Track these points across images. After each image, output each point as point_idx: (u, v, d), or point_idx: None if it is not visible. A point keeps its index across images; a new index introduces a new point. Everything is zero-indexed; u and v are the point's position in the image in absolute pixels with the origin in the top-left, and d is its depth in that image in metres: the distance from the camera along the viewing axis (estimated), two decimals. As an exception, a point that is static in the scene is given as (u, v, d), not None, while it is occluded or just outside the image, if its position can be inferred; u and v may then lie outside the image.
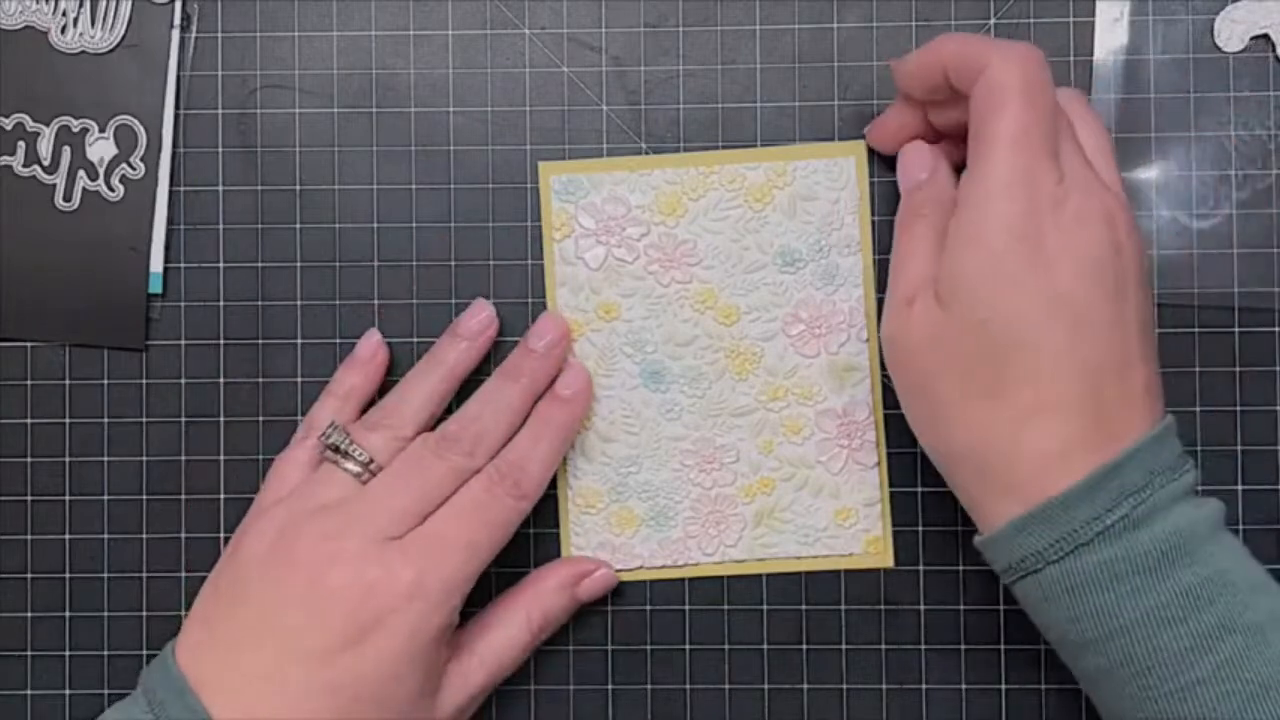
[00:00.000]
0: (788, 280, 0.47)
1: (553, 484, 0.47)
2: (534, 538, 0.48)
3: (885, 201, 0.47)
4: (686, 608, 0.48)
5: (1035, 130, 0.39)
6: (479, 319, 0.46)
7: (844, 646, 0.48)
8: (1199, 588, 0.37)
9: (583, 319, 0.47)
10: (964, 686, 0.47)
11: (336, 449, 0.44)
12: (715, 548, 0.47)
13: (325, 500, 0.42)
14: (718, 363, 0.47)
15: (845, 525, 0.47)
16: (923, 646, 0.48)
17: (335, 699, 0.40)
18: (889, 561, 0.47)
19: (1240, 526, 0.47)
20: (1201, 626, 0.37)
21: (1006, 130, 0.39)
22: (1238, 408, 0.47)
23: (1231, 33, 0.47)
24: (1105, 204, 0.39)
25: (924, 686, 0.48)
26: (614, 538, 0.47)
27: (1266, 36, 0.47)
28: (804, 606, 0.48)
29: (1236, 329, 0.47)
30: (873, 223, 0.47)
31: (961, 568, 0.48)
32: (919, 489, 0.48)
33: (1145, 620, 0.37)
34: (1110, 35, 0.47)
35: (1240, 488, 0.47)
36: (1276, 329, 0.47)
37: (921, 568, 0.48)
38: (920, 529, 0.48)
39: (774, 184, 0.47)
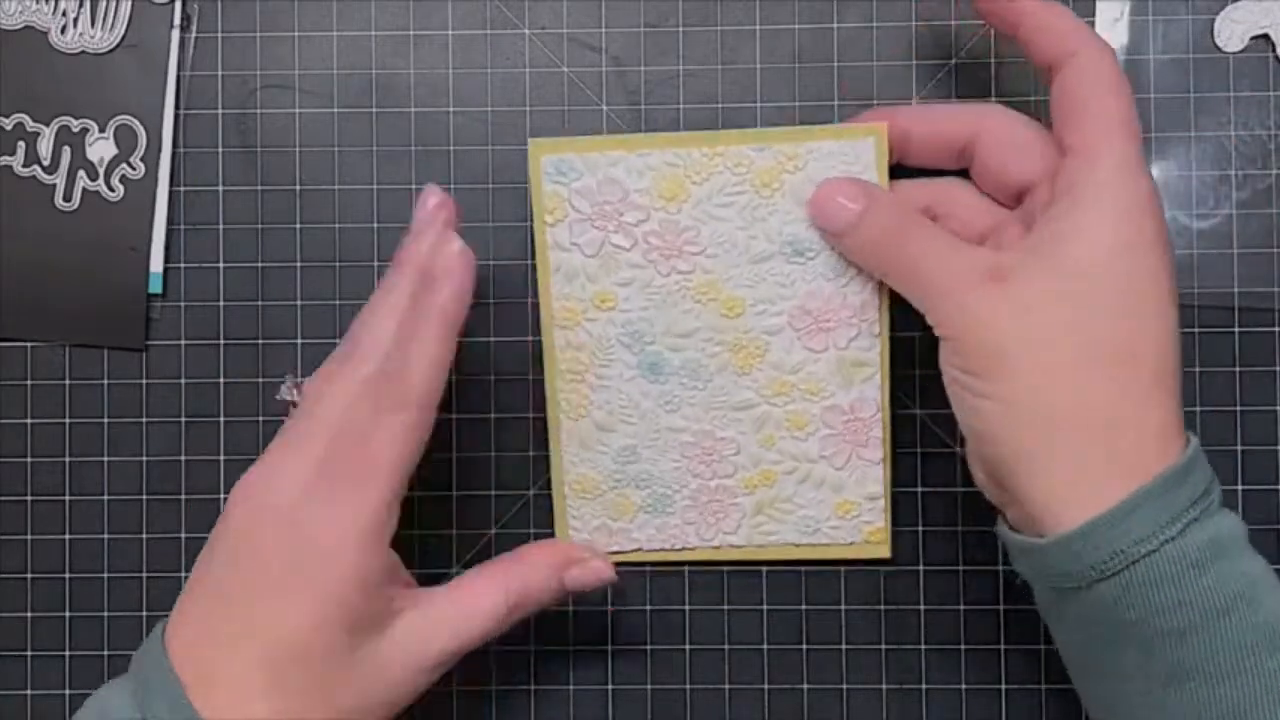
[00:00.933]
0: (796, 271, 0.44)
1: (547, 471, 0.47)
2: (534, 518, 0.48)
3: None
4: (686, 608, 0.48)
5: (1136, 124, 0.40)
6: (429, 206, 0.42)
7: (844, 646, 0.48)
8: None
9: (578, 307, 0.45)
10: (964, 686, 0.47)
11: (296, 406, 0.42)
12: (714, 534, 0.47)
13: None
14: (719, 356, 0.45)
15: (846, 517, 0.46)
16: (923, 646, 0.48)
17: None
18: (887, 552, 0.47)
19: (1240, 526, 0.47)
20: None
21: (1123, 117, 0.39)
22: (1238, 408, 0.47)
23: (1231, 33, 0.47)
24: None
25: (924, 686, 0.48)
26: (611, 522, 0.47)
27: (1266, 36, 0.47)
28: (804, 606, 0.48)
29: (1236, 329, 0.47)
30: None
31: (961, 568, 0.48)
32: (919, 489, 0.48)
33: (1256, 585, 0.37)
34: (1110, 35, 0.47)
35: (1240, 488, 0.47)
36: (1276, 329, 0.47)
37: (921, 568, 0.48)
38: (920, 529, 0.48)
39: (783, 168, 0.44)
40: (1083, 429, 0.38)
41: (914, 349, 0.47)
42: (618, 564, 0.46)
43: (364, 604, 0.39)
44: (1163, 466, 0.37)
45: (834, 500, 0.46)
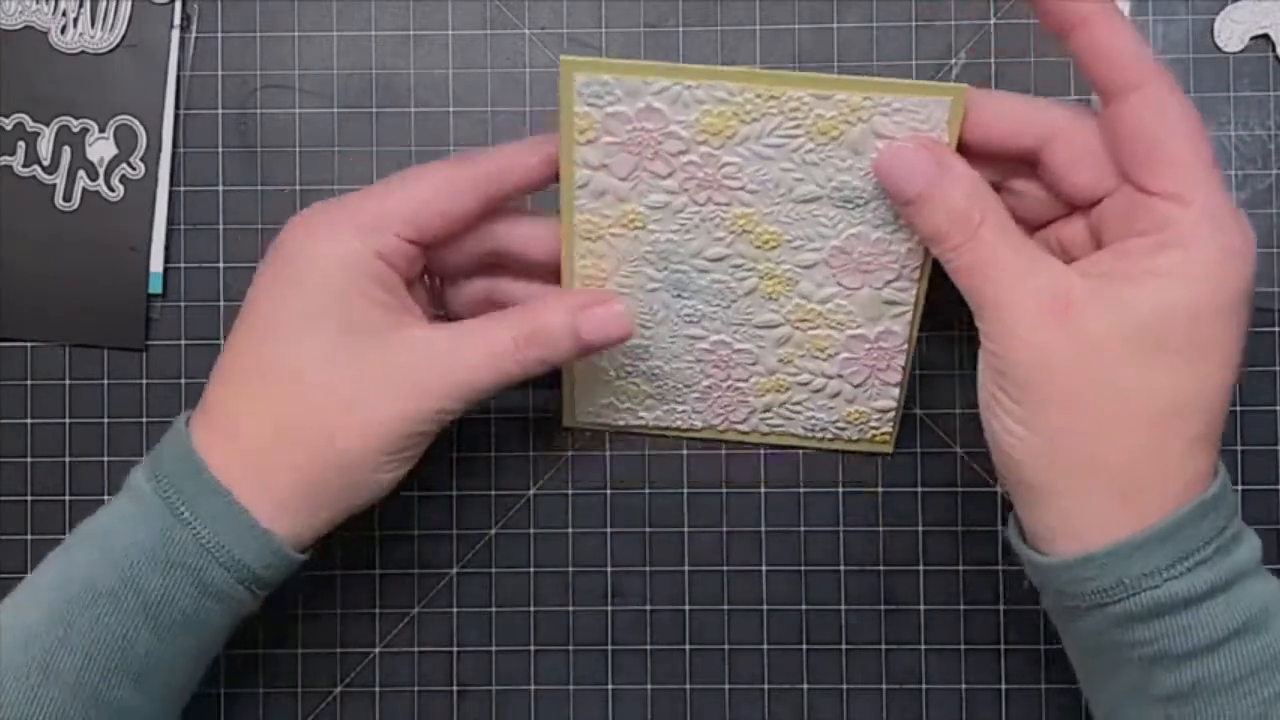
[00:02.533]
0: (841, 215, 0.41)
1: (548, 469, 0.47)
2: (534, 518, 0.48)
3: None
4: (687, 608, 0.48)
5: (1218, 168, 0.38)
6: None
7: (844, 646, 0.48)
8: None
9: (603, 223, 0.42)
10: (964, 686, 0.47)
11: None
12: (721, 422, 0.46)
13: None
14: (748, 281, 0.43)
15: (854, 423, 0.46)
16: (923, 646, 0.48)
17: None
18: (889, 449, 0.47)
19: (1240, 526, 0.47)
20: None
21: (1209, 162, 0.37)
22: (1238, 408, 0.47)
23: (1231, 33, 0.47)
24: None
25: (924, 686, 0.48)
26: (618, 404, 0.46)
27: (1266, 36, 0.47)
28: (804, 606, 0.48)
29: (1236, 329, 0.47)
30: None
31: (961, 568, 0.48)
32: (919, 489, 0.48)
33: (1267, 609, 0.37)
34: (1110, 35, 0.47)
35: (1240, 488, 0.47)
36: (1276, 329, 0.47)
37: (921, 568, 0.48)
38: (920, 529, 0.48)
39: (845, 119, 0.39)
40: (1112, 475, 0.37)
41: (916, 349, 0.47)
42: (620, 437, 0.46)
43: (343, 301, 0.40)
44: (1181, 507, 0.36)
45: (845, 410, 0.46)
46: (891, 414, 0.46)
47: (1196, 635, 0.36)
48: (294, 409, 0.40)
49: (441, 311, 0.45)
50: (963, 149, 0.39)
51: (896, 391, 0.45)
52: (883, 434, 0.46)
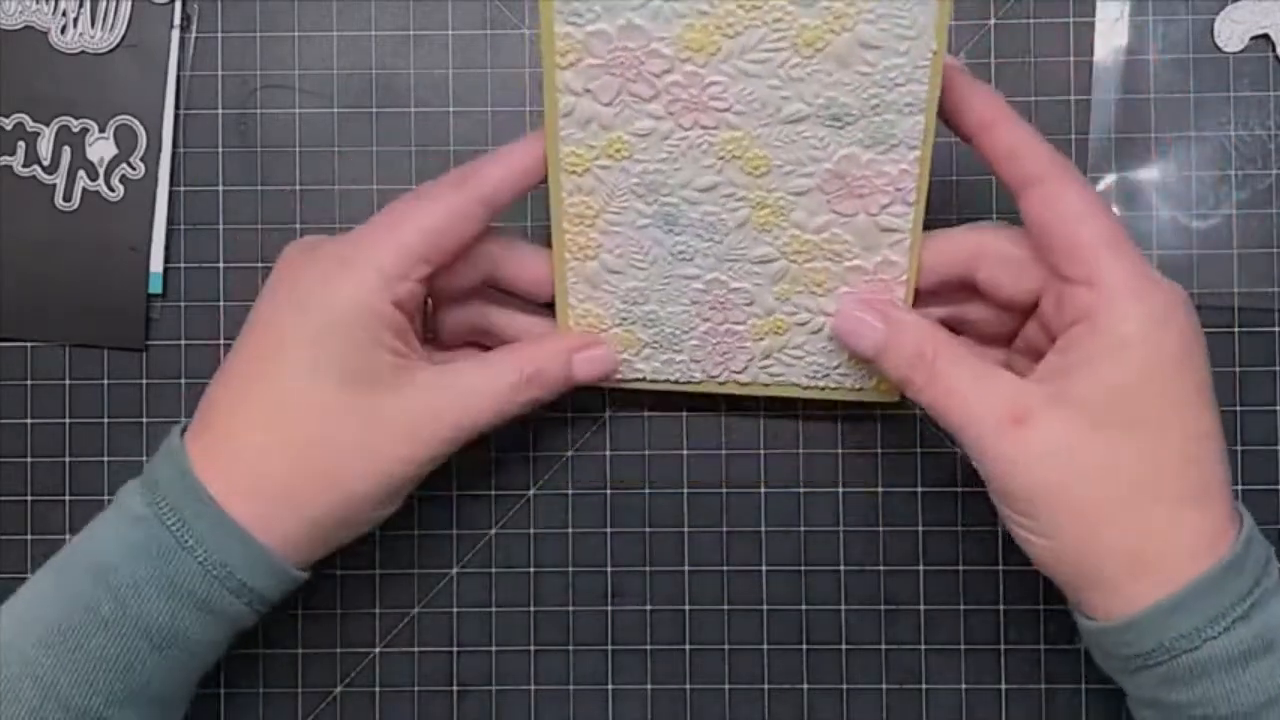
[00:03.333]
0: (831, 135, 0.40)
1: (548, 468, 0.47)
2: (534, 518, 0.48)
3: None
4: (687, 608, 0.48)
5: (1127, 237, 0.38)
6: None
7: (844, 646, 0.48)
8: None
9: (589, 154, 0.41)
10: (964, 686, 0.47)
11: None
12: (720, 372, 0.46)
13: None
14: (739, 212, 0.42)
15: (856, 367, 0.45)
16: (923, 646, 0.48)
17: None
18: (895, 396, 0.45)
19: (1240, 526, 0.47)
20: None
21: (1114, 235, 0.38)
22: (1238, 408, 0.47)
23: (1231, 33, 0.47)
24: None
25: (924, 686, 0.48)
26: (616, 353, 0.45)
27: (1266, 36, 0.47)
28: (804, 606, 0.48)
29: (1236, 329, 0.47)
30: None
31: (961, 568, 0.48)
32: (919, 489, 0.48)
33: None
34: (1110, 35, 0.47)
35: (1240, 488, 0.47)
36: (1276, 329, 0.47)
37: (921, 568, 0.48)
38: (920, 529, 0.48)
39: (829, 27, 0.38)
40: (1129, 554, 0.37)
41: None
42: (619, 392, 0.46)
43: (358, 349, 0.40)
44: (1209, 564, 0.37)
45: (845, 352, 0.44)
46: None
47: (1241, 698, 0.36)
48: (299, 451, 0.40)
49: (431, 335, 0.45)
50: (916, 293, 0.42)
51: None
52: (884, 381, 0.45)
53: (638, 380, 0.46)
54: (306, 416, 0.40)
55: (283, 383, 0.40)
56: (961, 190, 0.48)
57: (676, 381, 0.46)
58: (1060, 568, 0.39)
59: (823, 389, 0.46)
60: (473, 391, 0.42)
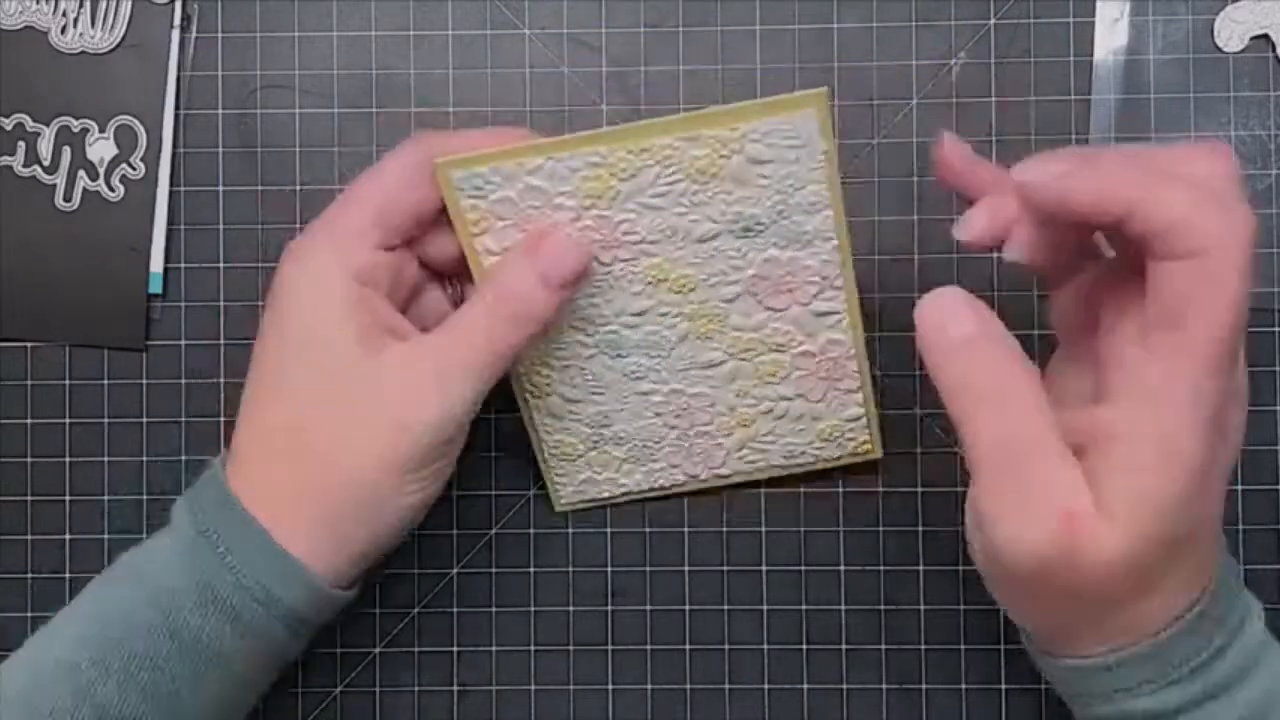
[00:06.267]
0: (747, 244, 0.41)
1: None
2: (534, 518, 0.48)
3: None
4: (687, 608, 0.48)
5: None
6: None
7: (844, 646, 0.48)
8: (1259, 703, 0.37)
9: None
10: (964, 686, 0.47)
11: None
12: (701, 470, 0.46)
13: None
14: (678, 326, 0.43)
15: (830, 439, 0.46)
16: (923, 646, 0.48)
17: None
18: (878, 453, 0.46)
19: (1240, 526, 0.47)
20: None
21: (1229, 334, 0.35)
22: (1238, 408, 0.47)
23: (1231, 33, 0.47)
24: None
25: (924, 686, 0.48)
26: (597, 475, 0.46)
27: (1266, 36, 0.47)
28: (804, 606, 0.48)
29: (1236, 329, 0.47)
30: (843, 174, 0.42)
31: (961, 568, 0.48)
32: (919, 489, 0.48)
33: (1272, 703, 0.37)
34: (1110, 35, 0.47)
35: (1240, 488, 0.47)
36: (1276, 329, 0.47)
37: (921, 567, 0.48)
38: (920, 529, 0.48)
39: (719, 153, 0.39)
40: (1110, 629, 0.37)
41: (911, 348, 0.47)
42: (611, 506, 0.46)
43: (329, 338, 0.40)
44: (1164, 631, 0.36)
45: (815, 427, 0.46)
46: (863, 420, 0.46)
47: None
48: (299, 452, 0.40)
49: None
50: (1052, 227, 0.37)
51: (860, 397, 0.45)
52: (863, 442, 0.46)
53: (625, 496, 0.47)
54: (293, 417, 0.40)
55: (273, 389, 0.41)
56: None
57: (665, 488, 0.47)
58: (1019, 619, 0.40)
59: (802, 465, 0.46)
60: (449, 344, 0.40)
